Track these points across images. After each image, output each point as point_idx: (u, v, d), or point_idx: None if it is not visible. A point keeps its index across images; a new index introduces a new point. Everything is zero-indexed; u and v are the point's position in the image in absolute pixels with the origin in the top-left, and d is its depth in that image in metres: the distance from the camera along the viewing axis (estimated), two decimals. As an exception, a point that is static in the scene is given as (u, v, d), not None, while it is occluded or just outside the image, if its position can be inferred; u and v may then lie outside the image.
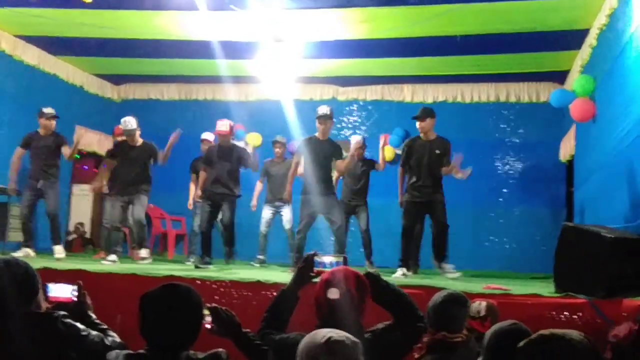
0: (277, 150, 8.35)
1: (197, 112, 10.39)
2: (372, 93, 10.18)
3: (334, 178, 6.67)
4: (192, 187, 8.31)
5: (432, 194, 6.34)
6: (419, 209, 6.43)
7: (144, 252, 7.10)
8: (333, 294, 2.51)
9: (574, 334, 1.79)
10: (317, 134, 6.63)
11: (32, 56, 8.77)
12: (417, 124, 6.47)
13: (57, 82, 9.32)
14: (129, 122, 7.17)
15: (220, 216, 7.02)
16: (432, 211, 6.38)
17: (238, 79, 9.74)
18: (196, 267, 6.63)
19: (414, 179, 6.43)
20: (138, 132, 7.22)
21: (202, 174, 7.16)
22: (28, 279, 2.38)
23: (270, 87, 9.34)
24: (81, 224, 10.15)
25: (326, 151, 6.53)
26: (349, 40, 7.89)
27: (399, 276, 6.03)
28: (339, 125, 10.11)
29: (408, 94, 10.04)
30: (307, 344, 1.86)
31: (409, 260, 6.43)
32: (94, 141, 10.27)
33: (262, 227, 8.14)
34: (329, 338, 1.83)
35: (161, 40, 8.10)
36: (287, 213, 8.06)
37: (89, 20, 7.30)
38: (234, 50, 8.16)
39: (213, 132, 7.60)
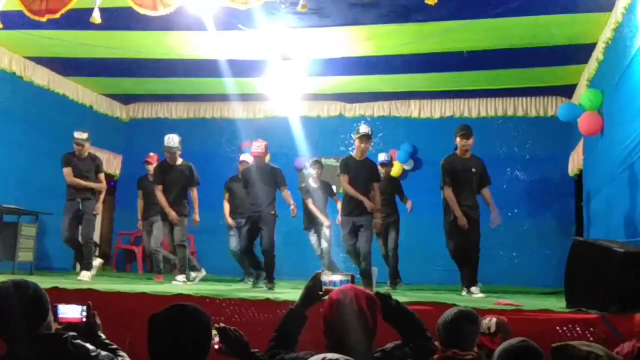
0: (315, 171, 7.88)
1: (206, 130, 10.44)
2: (379, 109, 10.20)
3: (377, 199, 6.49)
4: (225, 205, 8.01)
5: (472, 211, 6.18)
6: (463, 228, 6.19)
7: (180, 278, 6.81)
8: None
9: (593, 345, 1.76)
10: (354, 154, 6.54)
11: (42, 77, 8.87)
12: (461, 141, 6.27)
13: (66, 102, 9.41)
14: (172, 139, 6.99)
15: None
16: (470, 230, 6.17)
17: (246, 97, 9.82)
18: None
19: (459, 199, 6.19)
20: (179, 152, 7.06)
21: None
22: (37, 301, 2.38)
23: (277, 105, 9.41)
24: (95, 243, 10.13)
25: (365, 173, 6.44)
26: (356, 57, 7.93)
27: (480, 296, 5.82)
28: (347, 142, 10.13)
29: (415, 109, 10.06)
30: None
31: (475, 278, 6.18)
32: (103, 160, 10.29)
33: (317, 251, 7.95)
34: (323, 358, 1.82)
35: (170, 60, 8.17)
36: (326, 232, 7.72)
37: (98, 41, 7.38)
38: (241, 68, 8.23)
39: (250, 153, 7.34)
